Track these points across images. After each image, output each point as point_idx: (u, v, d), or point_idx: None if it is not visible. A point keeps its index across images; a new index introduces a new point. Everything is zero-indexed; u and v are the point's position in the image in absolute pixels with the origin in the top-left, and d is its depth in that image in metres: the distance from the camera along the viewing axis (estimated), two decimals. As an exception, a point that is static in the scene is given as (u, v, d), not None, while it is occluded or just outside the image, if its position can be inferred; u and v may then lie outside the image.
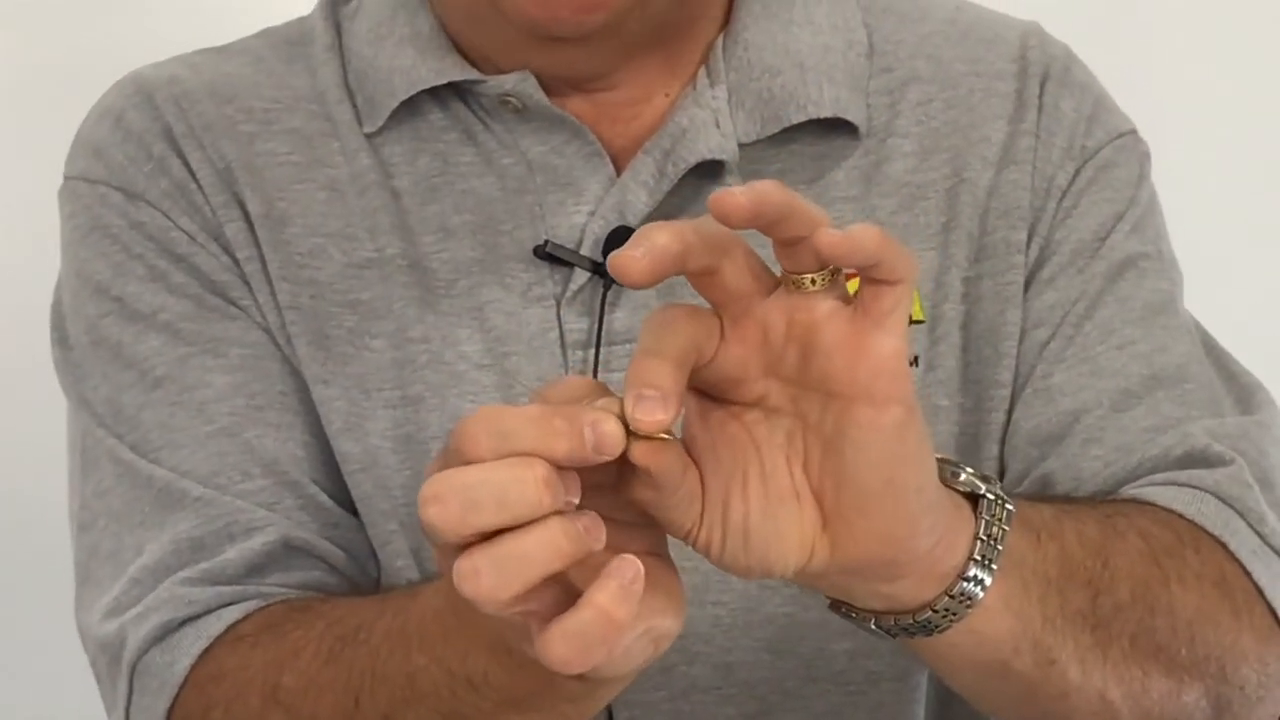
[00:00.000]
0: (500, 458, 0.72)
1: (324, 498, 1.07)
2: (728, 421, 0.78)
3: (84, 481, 1.09)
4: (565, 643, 0.73)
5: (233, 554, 1.03)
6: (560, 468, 0.73)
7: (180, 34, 1.19)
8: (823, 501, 0.78)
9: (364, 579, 1.08)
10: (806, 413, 0.77)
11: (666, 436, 0.74)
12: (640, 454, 0.74)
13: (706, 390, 0.78)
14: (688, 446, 0.78)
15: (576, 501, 0.73)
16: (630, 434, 0.73)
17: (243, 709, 0.99)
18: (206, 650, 1.01)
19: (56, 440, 1.15)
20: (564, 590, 0.75)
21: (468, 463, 0.73)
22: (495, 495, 0.72)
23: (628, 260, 0.73)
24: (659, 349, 0.74)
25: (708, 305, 0.78)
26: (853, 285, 0.77)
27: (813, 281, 0.75)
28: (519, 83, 1.06)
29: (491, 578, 0.72)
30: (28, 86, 1.79)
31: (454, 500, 0.72)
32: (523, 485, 0.72)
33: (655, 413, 0.73)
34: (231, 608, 1.02)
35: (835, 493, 0.78)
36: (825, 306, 0.76)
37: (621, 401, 0.74)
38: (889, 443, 0.76)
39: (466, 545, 0.73)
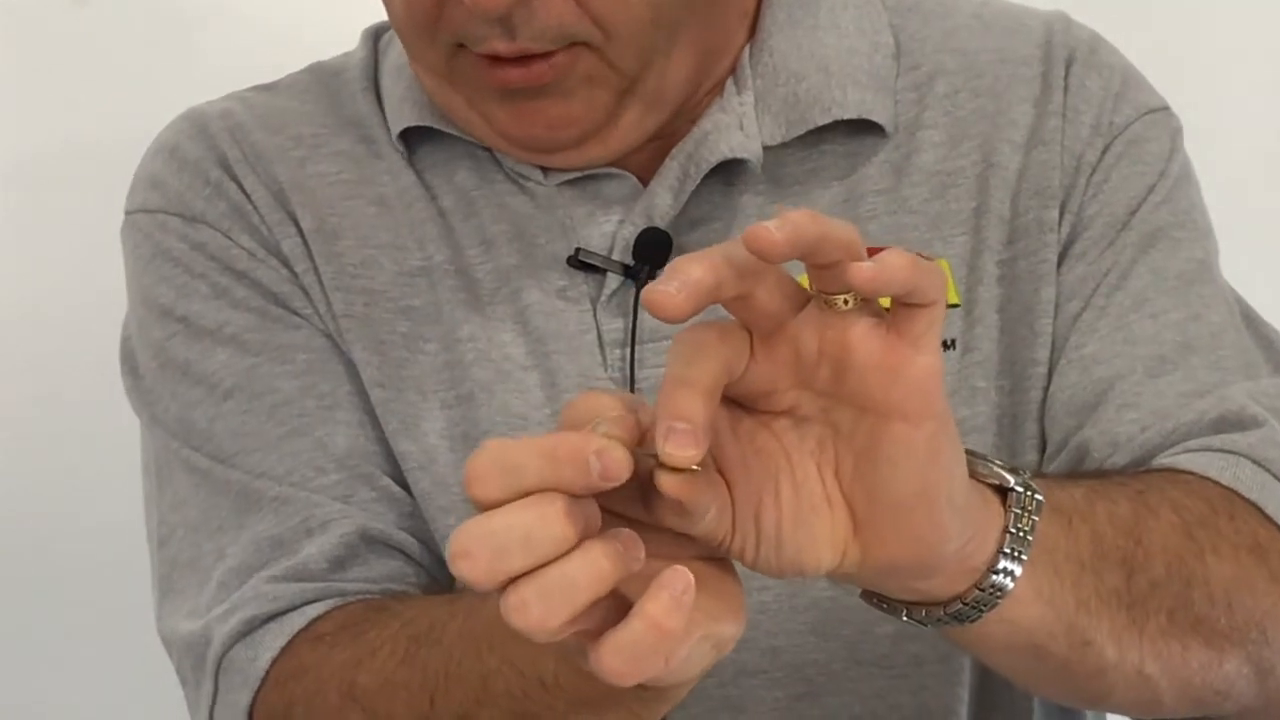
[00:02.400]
0: (514, 495, 0.73)
1: (397, 489, 1.09)
2: (757, 430, 0.79)
3: (160, 497, 1.12)
4: (617, 655, 0.73)
5: (313, 549, 1.06)
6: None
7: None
8: (854, 508, 0.79)
9: (441, 569, 1.10)
10: (838, 422, 0.78)
11: (697, 468, 0.74)
12: (670, 486, 0.74)
13: (736, 400, 0.78)
14: (717, 458, 0.78)
15: (598, 526, 0.74)
16: (660, 465, 0.73)
17: (322, 705, 1.01)
18: (288, 646, 1.04)
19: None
20: (616, 603, 0.75)
21: (484, 506, 0.73)
22: (520, 539, 0.72)
23: (663, 297, 0.72)
24: (690, 377, 0.74)
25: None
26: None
27: (845, 301, 0.76)
28: (517, 164, 1.10)
29: (539, 608, 0.72)
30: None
31: (481, 552, 0.72)
32: (545, 523, 0.72)
33: (686, 447, 0.73)
34: (314, 605, 1.05)
35: (867, 501, 0.78)
36: (858, 325, 0.76)
37: (630, 424, 0.74)
38: (922, 457, 0.77)
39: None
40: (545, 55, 1.02)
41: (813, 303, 0.77)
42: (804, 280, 0.79)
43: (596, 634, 0.74)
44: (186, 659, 1.08)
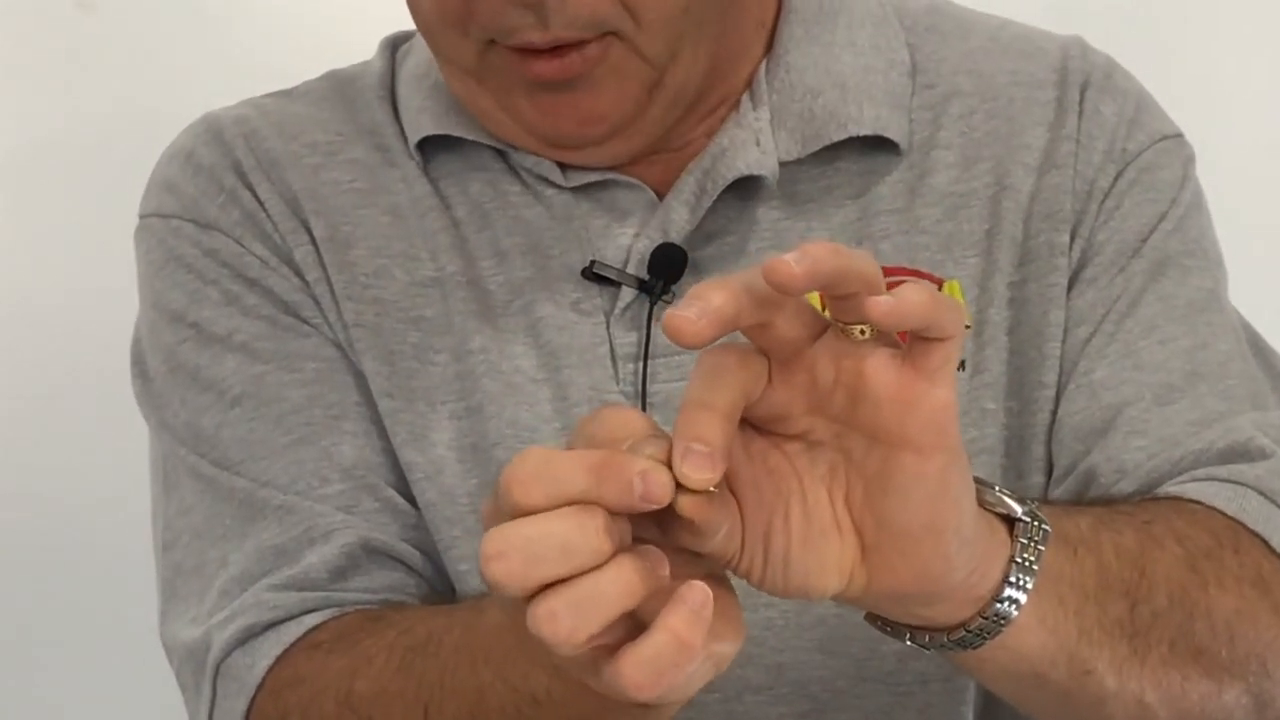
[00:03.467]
0: (554, 505, 0.73)
1: (401, 500, 1.10)
2: (770, 452, 0.79)
3: (166, 503, 1.13)
4: (639, 669, 0.74)
5: (314, 559, 1.06)
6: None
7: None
8: (863, 534, 0.80)
9: (442, 581, 1.11)
10: (850, 449, 0.79)
11: (713, 490, 0.75)
12: (687, 507, 0.74)
13: (750, 422, 0.79)
14: (730, 478, 0.78)
15: (629, 544, 0.75)
16: (677, 486, 0.74)
17: (318, 714, 1.02)
18: (285, 655, 1.04)
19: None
20: (627, 620, 0.76)
21: (522, 511, 0.74)
22: (558, 546, 0.73)
23: (683, 323, 0.73)
24: (709, 400, 0.75)
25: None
26: None
27: (862, 332, 0.76)
28: (537, 164, 1.10)
29: (569, 620, 0.73)
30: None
31: (516, 555, 0.73)
32: (585, 534, 0.73)
33: (704, 470, 0.74)
34: (313, 614, 1.05)
35: (876, 529, 0.79)
36: (875, 356, 0.76)
37: (668, 448, 0.74)
38: (932, 489, 0.78)
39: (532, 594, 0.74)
40: (577, 46, 1.02)
41: (830, 331, 0.77)
42: (814, 299, 0.79)
43: (610, 649, 0.75)
44: (187, 665, 1.09)
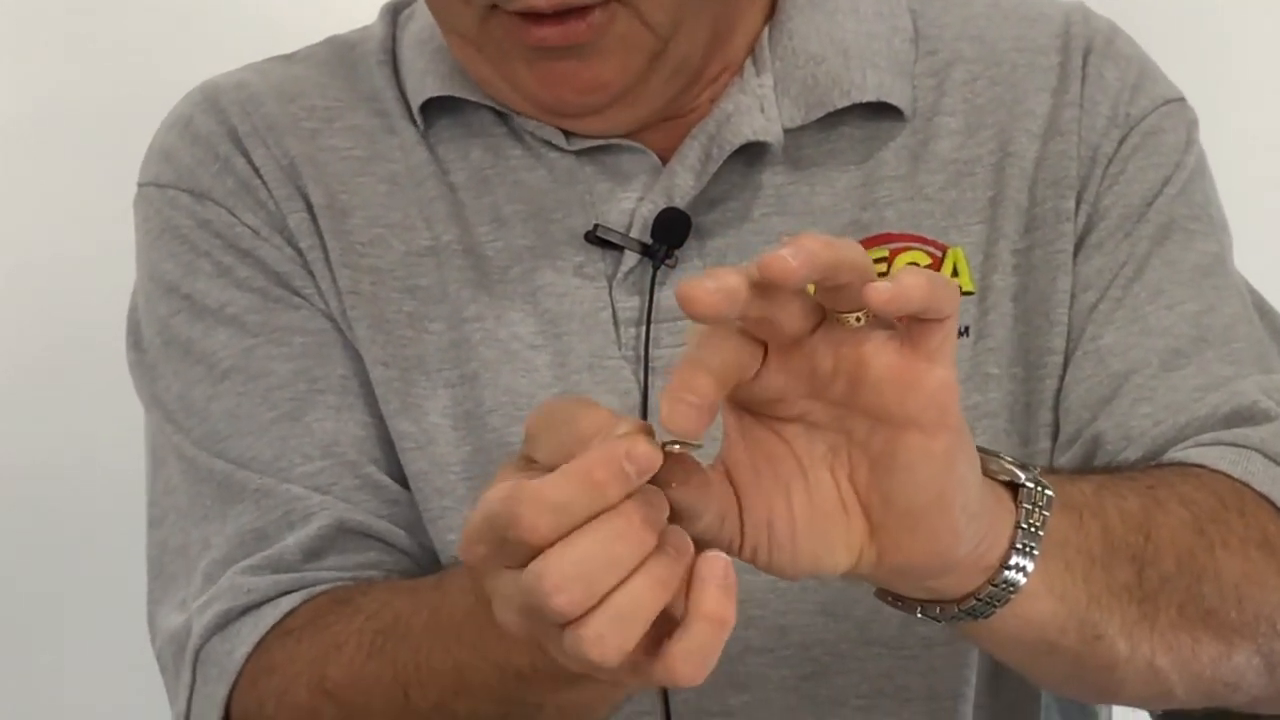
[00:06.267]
0: (569, 531, 0.72)
1: (382, 477, 1.10)
2: (768, 437, 0.79)
3: (154, 479, 1.14)
4: (688, 662, 0.74)
5: (290, 541, 1.07)
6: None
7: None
8: (870, 513, 0.79)
9: (425, 555, 1.11)
10: (852, 430, 0.78)
11: (697, 443, 0.74)
12: (662, 472, 0.74)
13: (747, 407, 0.79)
14: (729, 466, 0.79)
15: (667, 514, 0.74)
16: (662, 445, 0.73)
17: (292, 702, 1.03)
18: (262, 642, 1.05)
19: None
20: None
21: (536, 550, 0.73)
22: (609, 562, 0.72)
23: (701, 291, 0.72)
24: (703, 361, 0.75)
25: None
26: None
27: (858, 319, 0.76)
28: (539, 128, 1.09)
29: (615, 638, 0.72)
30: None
31: (576, 585, 0.72)
32: (628, 540, 0.72)
33: (690, 419, 0.73)
34: (289, 596, 1.06)
35: (882, 507, 0.79)
36: (872, 341, 0.76)
37: (646, 424, 0.74)
38: (938, 467, 0.78)
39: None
40: (582, 13, 1.01)
41: (826, 320, 0.77)
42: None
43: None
44: (169, 648, 1.10)
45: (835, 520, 0.79)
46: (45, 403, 1.77)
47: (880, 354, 0.76)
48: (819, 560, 0.79)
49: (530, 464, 0.77)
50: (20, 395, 1.76)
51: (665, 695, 1.06)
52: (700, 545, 0.77)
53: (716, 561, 0.74)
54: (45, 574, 1.76)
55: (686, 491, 0.75)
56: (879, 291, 0.73)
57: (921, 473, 0.78)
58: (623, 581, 0.73)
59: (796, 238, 0.73)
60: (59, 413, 1.75)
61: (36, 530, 1.77)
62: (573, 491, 0.72)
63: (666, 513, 0.74)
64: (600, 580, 0.72)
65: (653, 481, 0.74)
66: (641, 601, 0.73)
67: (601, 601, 0.72)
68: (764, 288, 0.74)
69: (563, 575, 0.72)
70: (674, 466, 0.75)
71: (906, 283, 0.73)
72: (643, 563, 0.73)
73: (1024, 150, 1.09)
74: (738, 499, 0.79)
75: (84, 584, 1.74)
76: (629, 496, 0.73)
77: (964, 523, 0.80)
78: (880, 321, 0.76)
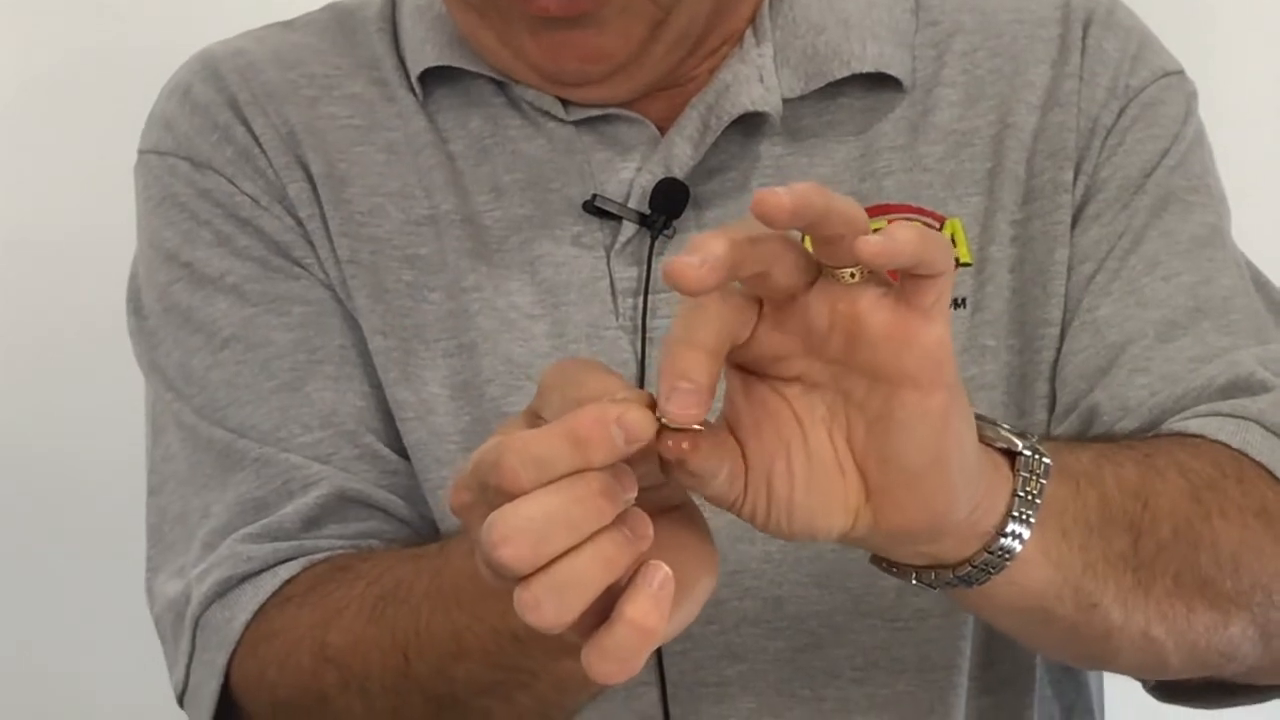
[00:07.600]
0: (544, 485, 0.72)
1: (381, 447, 1.10)
2: (769, 396, 0.79)
3: (154, 447, 1.14)
4: (604, 660, 0.74)
5: (290, 510, 1.07)
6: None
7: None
8: (866, 474, 0.79)
9: (424, 525, 1.11)
10: (850, 390, 0.78)
11: (698, 428, 0.74)
12: (671, 447, 0.74)
13: (747, 367, 0.79)
14: (731, 423, 0.78)
15: (634, 496, 0.74)
16: (663, 426, 0.73)
17: (295, 667, 1.03)
18: (261, 609, 1.05)
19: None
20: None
21: (512, 498, 0.73)
22: (561, 522, 0.72)
23: (685, 267, 0.72)
24: (692, 337, 0.74)
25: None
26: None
27: (851, 275, 0.76)
28: (539, 98, 1.09)
29: (553, 606, 0.72)
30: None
31: (522, 539, 0.72)
32: (584, 505, 0.72)
33: (689, 407, 0.73)
34: (288, 564, 1.06)
35: (880, 468, 0.79)
36: (867, 297, 0.76)
37: (646, 397, 0.74)
38: (935, 425, 0.77)
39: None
40: None
41: (822, 276, 0.77)
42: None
43: (598, 612, 0.74)
44: (167, 616, 1.10)
45: (833, 481, 0.79)
46: (43, 376, 1.77)
47: (876, 310, 0.76)
48: (815, 521, 0.79)
49: (536, 419, 0.77)
50: (17, 371, 1.76)
51: (660, 668, 1.07)
52: (658, 494, 0.77)
53: (657, 570, 0.74)
54: (41, 541, 1.76)
55: (699, 456, 0.75)
56: (870, 244, 0.72)
57: (918, 431, 0.77)
58: (571, 551, 0.72)
59: (792, 183, 0.72)
60: (56, 386, 1.75)
61: (34, 503, 1.76)
62: (557, 446, 0.72)
63: (633, 494, 0.74)
64: (548, 540, 0.72)
65: (662, 457, 0.74)
66: (583, 575, 0.72)
67: (546, 566, 0.72)
68: (758, 241, 0.74)
69: (511, 528, 0.72)
70: (681, 436, 0.74)
71: (898, 236, 0.73)
72: (594, 536, 0.72)
73: (1023, 121, 1.09)
74: (743, 456, 0.78)
75: (79, 550, 1.74)
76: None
77: (960, 484, 0.80)
78: (875, 278, 0.76)
